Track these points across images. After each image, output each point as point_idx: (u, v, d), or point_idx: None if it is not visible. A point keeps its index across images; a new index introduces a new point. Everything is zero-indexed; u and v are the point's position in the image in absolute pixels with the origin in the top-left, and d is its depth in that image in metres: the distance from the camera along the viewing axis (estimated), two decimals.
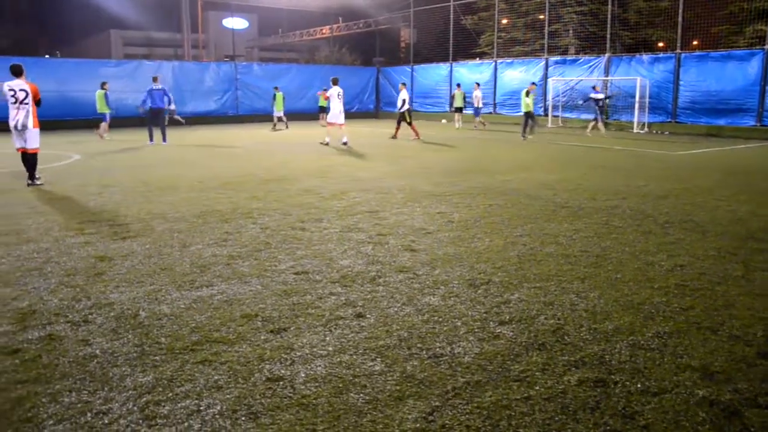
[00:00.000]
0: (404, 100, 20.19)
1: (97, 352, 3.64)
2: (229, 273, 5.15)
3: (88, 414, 2.96)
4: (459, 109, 26.15)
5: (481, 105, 25.83)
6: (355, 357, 3.54)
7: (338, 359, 3.51)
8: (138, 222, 7.23)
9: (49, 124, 25.19)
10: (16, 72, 10.16)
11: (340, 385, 3.21)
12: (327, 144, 17.64)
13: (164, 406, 3.02)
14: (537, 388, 3.19)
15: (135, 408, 3.01)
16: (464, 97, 26.87)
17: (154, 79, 19.79)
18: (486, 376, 3.32)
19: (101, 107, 20.95)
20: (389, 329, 3.94)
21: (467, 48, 33.54)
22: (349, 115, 33.26)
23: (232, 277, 5.04)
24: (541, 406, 3.01)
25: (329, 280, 4.94)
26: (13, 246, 6.15)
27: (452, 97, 27.71)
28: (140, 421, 2.89)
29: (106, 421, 2.90)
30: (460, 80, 30.11)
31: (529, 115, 20.09)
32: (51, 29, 54.90)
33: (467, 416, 2.92)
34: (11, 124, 10.09)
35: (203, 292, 4.66)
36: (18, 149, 10.27)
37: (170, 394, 3.13)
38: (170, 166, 12.94)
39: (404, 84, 20.97)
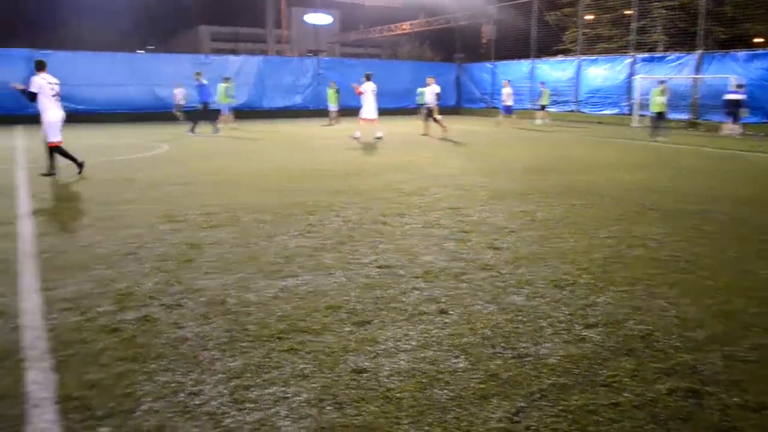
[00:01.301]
0: (437, 94, 19.79)
1: (189, 335, 3.77)
2: (314, 264, 5.23)
3: (181, 394, 3.07)
4: (544, 106, 26.12)
5: (511, 103, 24.80)
6: (438, 353, 3.53)
7: (422, 354, 3.51)
8: (225, 212, 7.45)
9: (140, 116, 26.41)
10: (43, 66, 10.57)
11: (424, 381, 3.21)
12: (357, 138, 17.70)
13: (252, 391, 3.10)
14: (626, 394, 3.10)
15: (225, 391, 3.10)
16: (549, 95, 26.47)
17: (198, 74, 20.63)
18: (572, 380, 3.24)
19: (222, 99, 22.08)
20: (473, 327, 3.91)
21: (549, 45, 32.88)
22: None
23: (317, 268, 5.12)
24: (631, 414, 2.92)
25: (412, 275, 4.95)
26: (112, 231, 6.47)
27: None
28: (230, 404, 2.98)
29: (198, 402, 3.00)
30: (542, 77, 29.58)
31: (660, 115, 18.78)
32: (144, 25, 57.13)
33: (553, 419, 2.87)
34: (58, 116, 10.51)
35: (289, 282, 4.75)
36: (60, 142, 10.62)
37: (258, 380, 3.21)
38: (254, 159, 13.28)
39: (433, 78, 20.28)
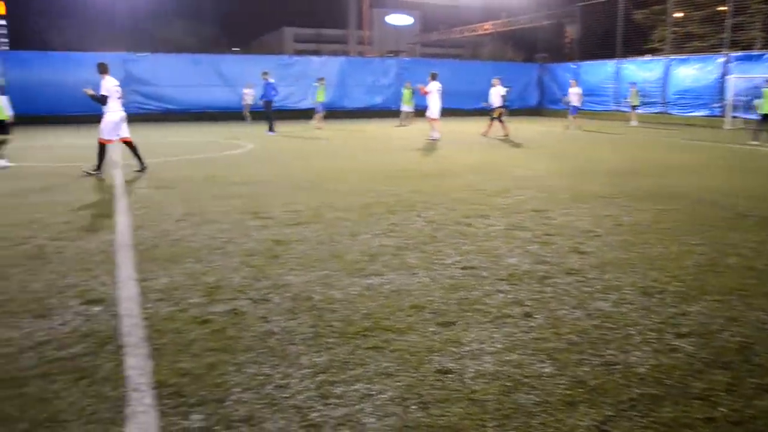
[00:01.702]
0: (502, 96, 19.40)
1: (276, 329, 3.86)
2: (397, 263, 5.26)
3: (269, 386, 3.15)
4: (635, 107, 25.41)
5: (578, 103, 23.69)
6: (523, 357, 3.48)
7: (507, 358, 3.47)
8: (309, 209, 7.58)
9: (226, 116, 27.24)
10: (107, 70, 11.02)
11: (509, 384, 3.17)
12: (436, 139, 17.59)
13: (338, 387, 3.14)
14: (721, 409, 2.96)
15: (311, 385, 3.15)
16: (637, 94, 25.72)
17: (265, 74, 21.04)
18: (664, 391, 3.13)
19: (319, 98, 22.87)
20: (558, 332, 3.83)
21: (636, 44, 31.83)
22: (510, 112, 32.82)
23: (400, 267, 5.14)
24: (727, 430, 2.79)
25: (496, 277, 4.90)
26: (200, 226, 6.70)
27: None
28: (316, 398, 3.02)
29: (286, 395, 3.06)
30: (629, 78, 28.69)
31: (766, 118, 17.22)
32: (231, 27, 58.97)
33: (643, 430, 2.77)
34: (119, 116, 10.89)
35: (373, 281, 4.79)
36: (120, 139, 11.00)
37: (343, 376, 3.25)
38: (335, 158, 13.48)
39: (499, 78, 19.88)
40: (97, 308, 4.21)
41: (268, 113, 20.80)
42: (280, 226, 6.70)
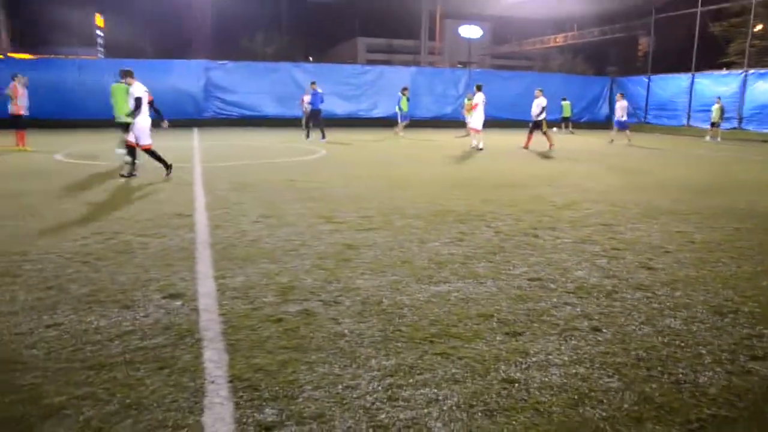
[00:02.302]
0: (543, 108, 18.79)
1: (346, 331, 3.91)
2: (465, 272, 5.24)
3: (339, 386, 3.19)
4: (716, 124, 24.52)
5: (625, 117, 22.76)
6: (590, 370, 3.41)
7: (573, 370, 3.41)
8: (380, 215, 7.65)
9: (299, 122, 27.71)
10: (132, 74, 11.13)
11: (576, 397, 3.11)
12: (481, 149, 17.76)
13: (405, 390, 3.15)
14: None
15: (379, 387, 3.17)
16: (722, 111, 24.75)
17: (313, 84, 21.29)
18: (736, 413, 3.01)
19: (403, 107, 23.30)
20: (627, 347, 3.74)
21: (712, 57, 30.72)
22: (578, 125, 32.25)
23: (468, 276, 5.13)
24: None
25: (564, 289, 4.82)
26: (276, 228, 6.85)
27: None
28: (384, 400, 3.04)
29: (355, 395, 3.09)
30: (702, 92, 27.72)
31: None
32: (307, 37, 59.98)
33: None
34: (149, 122, 11.16)
35: (441, 288, 4.79)
36: (144, 146, 11.16)
37: (411, 380, 3.26)
38: (407, 164, 13.55)
39: (541, 90, 19.35)
40: (177, 302, 4.36)
41: (319, 121, 21.15)
42: (351, 230, 6.78)
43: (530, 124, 19.17)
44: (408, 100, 23.54)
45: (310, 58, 52.13)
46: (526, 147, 18.74)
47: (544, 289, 4.80)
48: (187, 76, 27.77)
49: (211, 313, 4.16)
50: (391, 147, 18.73)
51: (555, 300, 4.56)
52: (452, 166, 13.67)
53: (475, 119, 18.42)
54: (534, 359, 3.54)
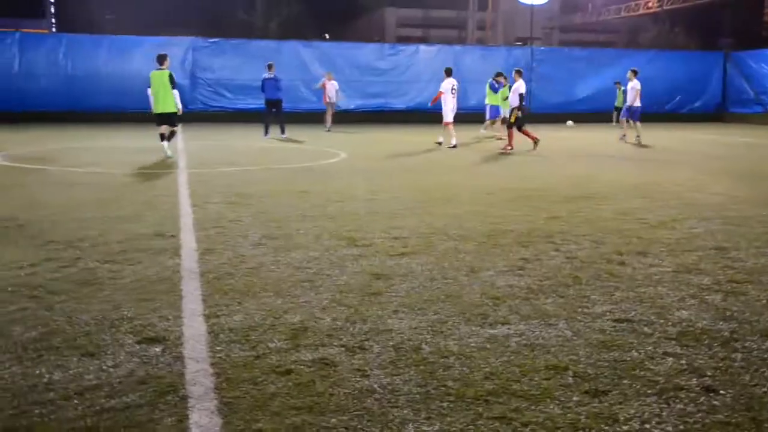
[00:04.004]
0: (521, 95, 18.75)
1: (375, 386, 3.87)
2: (529, 310, 5.19)
3: None
4: None
5: (638, 103, 21.57)
6: None
7: None
8: (417, 236, 7.63)
9: (312, 117, 27.94)
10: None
11: None
12: (455, 146, 18.77)
13: None
14: None
15: None
16: None
17: (269, 67, 21.76)
18: None
19: (495, 100, 23.05)
20: (755, 417, 3.61)
21: None
22: (677, 117, 31.96)
23: (533, 315, 5.07)
24: None
25: (663, 335, 4.72)
26: (283, 252, 6.87)
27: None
28: None
29: None
30: None
31: None
32: (321, 8, 60.28)
33: None
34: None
35: (498, 331, 4.74)
36: None
37: None
38: (448, 171, 13.56)
39: (520, 71, 19.38)
40: (156, 348, 4.36)
41: (280, 113, 22.29)
42: (381, 255, 6.77)
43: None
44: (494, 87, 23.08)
45: (326, 35, 52.45)
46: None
47: (635, 334, 4.72)
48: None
49: (201, 363, 4.15)
50: (426, 149, 18.77)
51: (651, 349, 4.47)
52: (508, 172, 13.62)
53: (446, 110, 19.52)
54: (626, 428, 3.45)
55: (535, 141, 18.38)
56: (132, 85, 24.32)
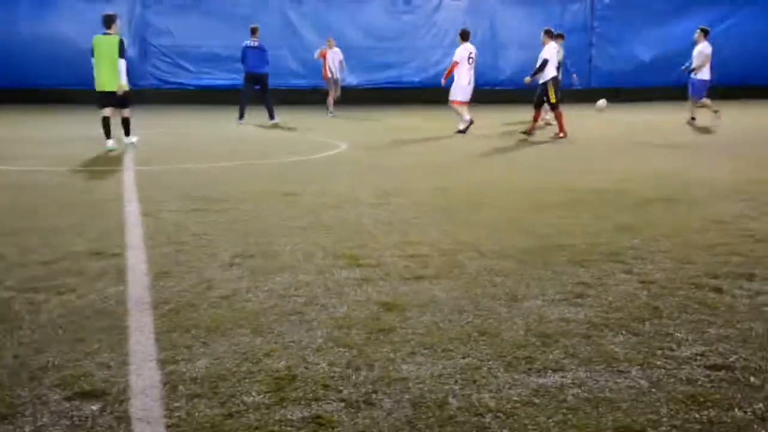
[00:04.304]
0: (545, 61, 19.15)
1: None
2: (590, 352, 5.15)
3: None
4: None
5: (707, 75, 21.79)
6: None
7: None
8: (439, 253, 7.60)
9: (304, 96, 27.96)
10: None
11: None
12: (464, 132, 19.37)
13: None
14: None
15: None
16: None
17: (252, 32, 22.08)
18: None
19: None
20: None
21: None
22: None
23: (596, 359, 5.03)
24: None
25: None
26: (264, 275, 6.83)
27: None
28: None
29: None
30: None
31: None
32: None
33: None
34: None
35: (548, 380, 4.71)
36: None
37: None
38: (483, 167, 13.58)
39: (551, 32, 19.99)
40: (92, 406, 4.31)
41: (266, 93, 22.78)
42: (392, 279, 6.74)
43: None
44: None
45: None
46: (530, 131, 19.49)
47: (738, 386, 4.66)
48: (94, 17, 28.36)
49: (153, 425, 4.11)
50: (449, 136, 18.89)
51: (761, 407, 4.41)
52: (557, 166, 13.57)
53: (457, 85, 20.10)
54: None
55: (531, 130, 19.35)
56: (65, 53, 24.45)
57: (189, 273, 6.91)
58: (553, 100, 19.23)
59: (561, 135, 18.68)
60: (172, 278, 6.75)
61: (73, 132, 18.78)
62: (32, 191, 11.04)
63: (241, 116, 22.35)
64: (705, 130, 20.74)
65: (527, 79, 19.72)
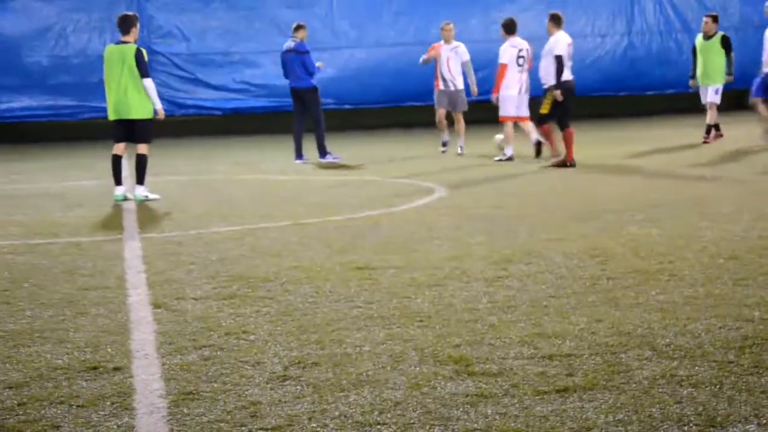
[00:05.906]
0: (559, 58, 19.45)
1: None
2: None
3: None
4: None
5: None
6: None
7: None
8: (592, 352, 7.46)
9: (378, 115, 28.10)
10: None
11: None
12: (507, 159, 20.43)
13: None
14: None
15: None
16: None
17: (295, 30, 22.98)
18: None
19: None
20: None
21: None
22: None
23: None
24: None
25: None
26: (332, 393, 6.74)
27: None
28: None
29: None
30: None
31: None
32: None
33: None
34: None
35: None
36: None
37: None
38: (655, 212, 13.40)
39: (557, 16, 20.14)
40: None
41: (318, 117, 22.73)
42: (521, 394, 6.57)
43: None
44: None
45: None
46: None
47: None
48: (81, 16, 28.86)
49: None
50: (590, 166, 18.84)
51: None
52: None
53: (506, 97, 20.87)
54: None
55: (539, 148, 20.45)
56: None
57: (224, 393, 6.86)
58: (544, 110, 19.77)
59: (555, 158, 19.53)
60: (201, 402, 6.69)
61: (47, 181, 19.03)
62: (4, 271, 11.15)
63: (299, 153, 22.51)
64: None
65: (556, 93, 19.63)
